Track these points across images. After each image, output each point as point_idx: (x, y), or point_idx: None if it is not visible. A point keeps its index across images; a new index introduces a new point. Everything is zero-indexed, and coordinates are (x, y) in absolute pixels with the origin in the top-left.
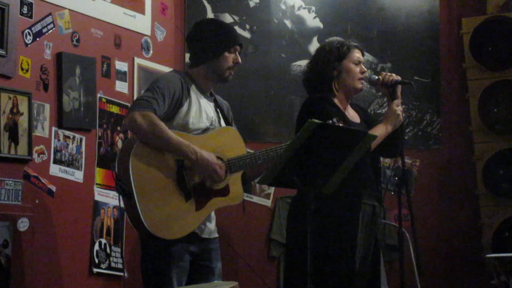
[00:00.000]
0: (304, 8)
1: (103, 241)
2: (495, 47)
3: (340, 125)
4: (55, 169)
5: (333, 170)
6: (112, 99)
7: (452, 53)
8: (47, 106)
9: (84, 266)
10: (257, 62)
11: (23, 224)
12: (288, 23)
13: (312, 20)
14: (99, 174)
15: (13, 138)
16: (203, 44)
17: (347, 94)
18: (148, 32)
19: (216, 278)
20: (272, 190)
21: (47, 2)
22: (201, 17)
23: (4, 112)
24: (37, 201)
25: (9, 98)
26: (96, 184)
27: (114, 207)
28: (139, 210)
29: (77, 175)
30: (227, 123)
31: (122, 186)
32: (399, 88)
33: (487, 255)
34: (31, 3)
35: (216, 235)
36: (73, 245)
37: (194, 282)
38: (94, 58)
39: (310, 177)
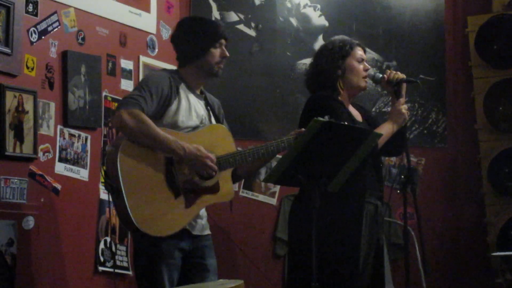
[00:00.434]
0: (310, 6)
1: (108, 239)
2: (501, 46)
3: (346, 123)
4: (60, 168)
5: (338, 168)
6: (117, 97)
7: (457, 51)
8: (53, 105)
9: (89, 265)
10: (262, 60)
11: (28, 223)
12: (293, 21)
13: (318, 19)
14: (100, 170)
15: (19, 136)
16: (188, 43)
17: (351, 93)
18: (154, 31)
19: (211, 275)
20: (277, 188)
21: (53, 1)
22: (205, 15)
23: (9, 111)
24: (42, 200)
25: (15, 96)
26: (102, 182)
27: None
28: (128, 208)
29: (83, 174)
30: (218, 121)
31: (110, 183)
32: (404, 87)
33: (493, 254)
34: (37, 2)
35: (208, 231)
36: (78, 244)
37: (188, 279)
38: (100, 57)
39: (315, 176)
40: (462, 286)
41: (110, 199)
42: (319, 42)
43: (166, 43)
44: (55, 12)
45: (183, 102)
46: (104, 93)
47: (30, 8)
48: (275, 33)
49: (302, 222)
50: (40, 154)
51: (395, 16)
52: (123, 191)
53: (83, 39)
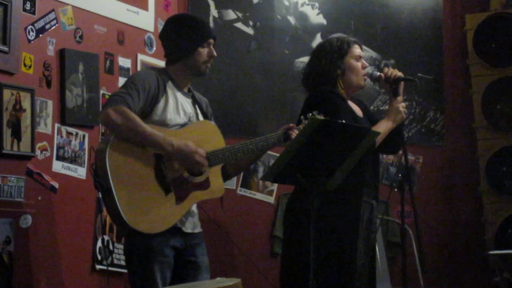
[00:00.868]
0: (308, 4)
1: (106, 238)
2: (499, 44)
3: (343, 121)
4: (58, 166)
5: (336, 166)
6: None
7: (455, 49)
8: (50, 103)
9: (87, 263)
10: (260, 58)
11: (25, 221)
12: (291, 19)
13: (316, 17)
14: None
15: (16, 134)
16: (176, 42)
17: (350, 91)
18: (151, 29)
19: (204, 273)
20: (275, 187)
21: None
22: (204, 14)
23: (7, 109)
24: (39, 198)
25: (12, 94)
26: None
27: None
28: (118, 205)
29: (80, 172)
30: (206, 118)
31: (100, 182)
32: (401, 85)
33: (490, 252)
34: (34, 0)
35: (200, 229)
36: (76, 242)
37: (181, 277)
38: (97, 55)
39: (313, 174)
40: (460, 285)
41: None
42: (317, 40)
43: None
44: (53, 10)
45: (171, 100)
46: (102, 91)
47: (28, 6)
48: (273, 31)
49: (298, 221)
50: (38, 152)
51: (393, 14)
52: (113, 189)
53: (80, 37)
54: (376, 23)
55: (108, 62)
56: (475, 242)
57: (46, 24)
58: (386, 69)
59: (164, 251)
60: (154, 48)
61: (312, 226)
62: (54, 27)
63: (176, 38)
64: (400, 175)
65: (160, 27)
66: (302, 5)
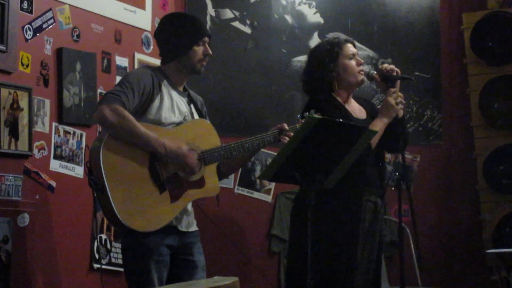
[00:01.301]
0: (305, 3)
1: (104, 236)
2: (496, 43)
3: (340, 120)
4: (55, 165)
5: (333, 165)
6: None
7: (452, 48)
8: (47, 102)
9: (85, 262)
10: (257, 57)
11: (23, 220)
12: (288, 18)
13: (313, 16)
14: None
15: (13, 133)
16: (171, 41)
17: (349, 89)
18: (149, 28)
19: (200, 272)
20: (272, 185)
21: None
22: (201, 13)
23: (4, 108)
24: (37, 197)
25: (9, 93)
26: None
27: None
28: (112, 204)
29: (78, 171)
30: (201, 117)
31: (94, 180)
32: (397, 84)
33: (488, 251)
34: None
35: (196, 228)
36: (74, 241)
37: (177, 276)
38: (95, 54)
39: (310, 173)
40: (457, 283)
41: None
42: (314, 39)
43: None
44: (50, 9)
45: (166, 99)
46: (99, 90)
47: (25, 5)
48: (270, 30)
49: (300, 220)
50: (35, 151)
51: (390, 13)
52: (107, 187)
53: (78, 36)
54: (373, 22)
55: (105, 61)
56: (472, 241)
57: (43, 23)
58: (383, 65)
59: (160, 250)
60: (151, 47)
61: (309, 225)
62: (51, 26)
63: (171, 36)
64: (397, 173)
65: None
66: (299, 4)
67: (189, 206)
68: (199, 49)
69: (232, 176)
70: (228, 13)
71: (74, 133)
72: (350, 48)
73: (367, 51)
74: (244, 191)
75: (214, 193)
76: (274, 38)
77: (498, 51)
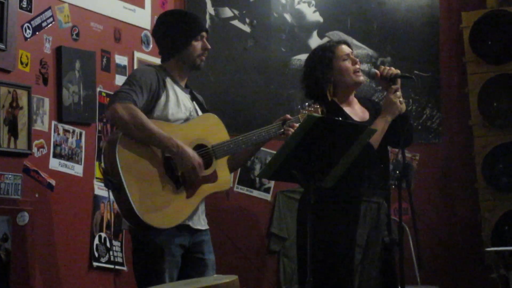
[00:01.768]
0: (304, 2)
1: (103, 235)
2: (495, 41)
3: (339, 119)
4: (54, 163)
5: (333, 164)
6: (111, 93)
7: (452, 47)
8: (47, 100)
9: (84, 260)
10: (257, 56)
11: (22, 218)
12: (288, 17)
13: (312, 14)
14: (99, 168)
15: (13, 132)
16: (169, 37)
17: (348, 91)
18: (148, 26)
19: (210, 270)
20: (272, 184)
21: None
22: (200, 12)
23: (3, 106)
24: (36, 195)
25: (9, 92)
26: (96, 178)
27: (114, 201)
28: (131, 202)
29: (77, 169)
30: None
31: (110, 180)
32: (398, 82)
33: (487, 249)
34: None
35: (207, 226)
36: (73, 239)
37: (187, 275)
38: (94, 52)
39: (309, 171)
40: (457, 281)
41: (111, 196)
42: (314, 38)
43: None
44: (49, 8)
45: (171, 95)
46: (98, 89)
47: (24, 3)
48: (270, 29)
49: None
50: (35, 149)
51: (390, 12)
52: (125, 185)
53: (77, 34)
54: (372, 21)
55: (104, 60)
56: (471, 239)
57: (42, 21)
58: (382, 67)
59: (172, 251)
60: (151, 46)
61: (308, 223)
62: (50, 24)
63: (169, 33)
64: (397, 172)
65: None
66: (299, 2)
67: (202, 204)
68: (197, 44)
69: (231, 175)
70: (227, 12)
71: (73, 131)
72: (343, 49)
73: (366, 50)
74: (244, 190)
75: (226, 187)
76: (274, 36)
77: (497, 50)
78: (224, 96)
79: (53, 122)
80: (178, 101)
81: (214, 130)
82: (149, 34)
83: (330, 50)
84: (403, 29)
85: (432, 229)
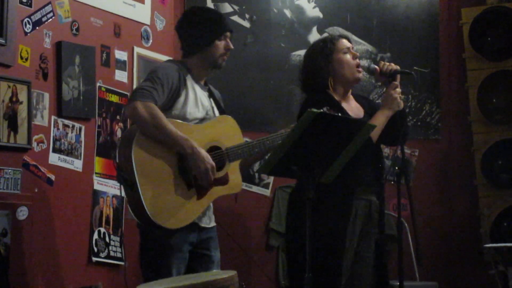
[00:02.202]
0: None
1: (102, 230)
2: (495, 38)
3: (339, 114)
4: (54, 158)
5: (332, 159)
6: (111, 88)
7: (451, 43)
8: (47, 95)
9: (83, 255)
10: (256, 51)
11: (22, 213)
12: (287, 12)
13: (312, 10)
14: (98, 163)
15: (12, 126)
16: (193, 34)
17: (346, 86)
18: (148, 21)
19: (215, 267)
20: (271, 179)
21: None
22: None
23: (3, 101)
24: (36, 190)
25: (9, 86)
26: (95, 173)
27: (113, 196)
28: (142, 200)
29: (76, 164)
30: (221, 112)
31: (124, 176)
32: (398, 78)
33: (485, 245)
34: None
35: (214, 223)
36: (72, 234)
37: (193, 270)
38: (94, 47)
39: (309, 167)
40: (455, 278)
41: (123, 192)
42: (313, 34)
43: (160, 34)
44: (49, 3)
45: (190, 94)
46: (98, 84)
47: None
48: (269, 25)
49: (297, 214)
50: (34, 144)
51: (390, 7)
52: (138, 184)
53: (77, 29)
54: (372, 17)
55: (104, 55)
56: (470, 235)
57: (42, 16)
58: (382, 63)
59: (181, 247)
60: (151, 41)
61: (307, 219)
62: (50, 19)
63: (194, 30)
64: (396, 168)
65: (157, 20)
66: None
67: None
68: (220, 44)
69: None
70: (227, 7)
71: (73, 126)
72: (344, 42)
73: (366, 46)
74: (243, 185)
75: (236, 190)
76: (273, 32)
77: (497, 46)
78: (222, 92)
79: (53, 117)
80: (197, 100)
81: (230, 133)
82: (149, 29)
83: (331, 42)
84: (402, 25)
85: (431, 225)
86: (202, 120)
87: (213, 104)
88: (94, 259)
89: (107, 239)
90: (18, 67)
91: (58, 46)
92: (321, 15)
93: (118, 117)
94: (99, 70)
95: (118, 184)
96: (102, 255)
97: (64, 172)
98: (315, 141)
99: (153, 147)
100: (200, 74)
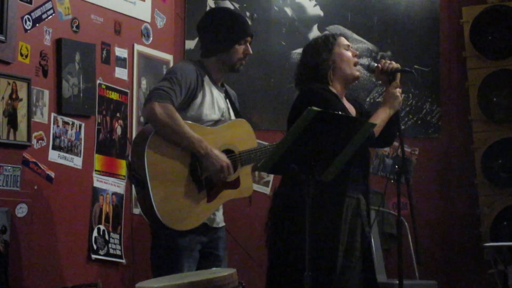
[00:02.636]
0: None
1: (102, 227)
2: (495, 36)
3: (340, 113)
4: (54, 155)
5: (332, 158)
6: (111, 85)
7: (452, 42)
8: (46, 92)
9: (83, 253)
10: (257, 49)
11: (21, 210)
12: (288, 10)
13: (312, 8)
14: (98, 160)
15: (12, 123)
16: (214, 36)
17: (344, 83)
18: (148, 19)
19: (222, 266)
20: (271, 177)
21: None
22: (201, 5)
23: (3, 98)
24: (35, 187)
25: (8, 83)
26: (95, 170)
27: (113, 193)
28: (153, 200)
29: (76, 161)
30: (237, 114)
31: (135, 175)
32: (398, 76)
33: (485, 244)
34: None
35: (223, 223)
36: (72, 232)
37: (199, 269)
38: (94, 45)
39: (309, 165)
40: (455, 276)
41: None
42: (314, 32)
43: (160, 32)
44: (50, 0)
45: (207, 95)
46: (98, 81)
47: None
48: (270, 23)
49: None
50: (34, 141)
51: (390, 6)
52: (149, 184)
53: (77, 27)
54: (373, 15)
55: (104, 52)
56: (470, 234)
57: (42, 13)
58: (383, 61)
59: (192, 247)
60: (151, 39)
61: (307, 218)
62: (50, 16)
63: (215, 32)
64: (396, 167)
65: (157, 18)
66: None
67: None
68: (240, 48)
69: None
70: (227, 5)
71: (73, 123)
72: (344, 40)
73: (366, 44)
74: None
75: (247, 194)
76: (274, 30)
77: (498, 45)
78: None
79: (53, 114)
80: (213, 102)
81: (244, 137)
82: (149, 26)
83: (332, 37)
84: (403, 24)
85: (431, 224)
86: (217, 121)
87: (229, 106)
88: (94, 256)
89: (106, 237)
90: (18, 64)
91: (58, 43)
92: (321, 13)
93: (118, 114)
94: (99, 68)
95: (118, 182)
96: (101, 252)
97: (64, 169)
98: (315, 140)
99: (167, 148)
100: (218, 75)
